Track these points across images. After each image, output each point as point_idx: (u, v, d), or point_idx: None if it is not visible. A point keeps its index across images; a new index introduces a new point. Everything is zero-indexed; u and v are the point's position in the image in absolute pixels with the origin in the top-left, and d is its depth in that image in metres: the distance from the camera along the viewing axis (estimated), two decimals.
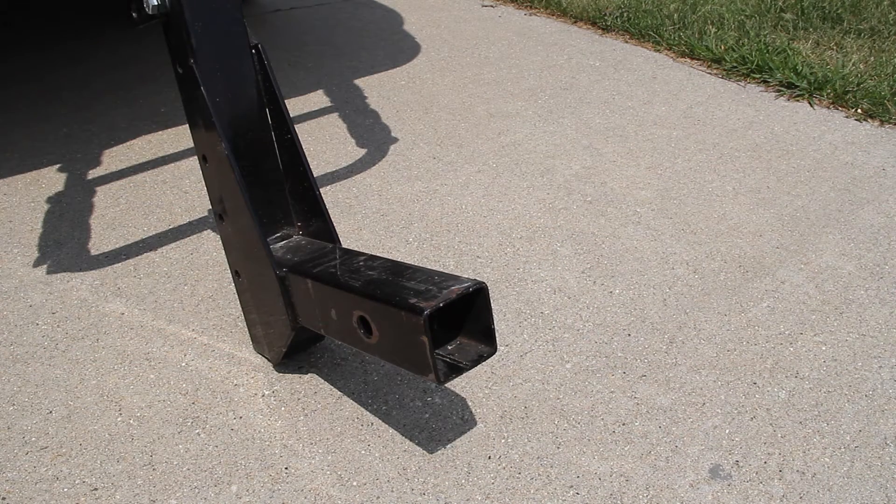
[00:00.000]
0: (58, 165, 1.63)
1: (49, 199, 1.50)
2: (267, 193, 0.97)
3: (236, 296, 1.03)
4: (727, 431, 0.92)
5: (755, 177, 1.53)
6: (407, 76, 2.12)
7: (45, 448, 0.92)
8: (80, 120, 1.86)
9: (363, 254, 0.86)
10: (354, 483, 0.86)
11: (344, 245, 0.95)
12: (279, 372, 1.03)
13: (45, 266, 1.28)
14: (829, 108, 1.84)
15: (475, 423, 0.94)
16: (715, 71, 2.10)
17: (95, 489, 0.86)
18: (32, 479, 0.88)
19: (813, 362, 1.03)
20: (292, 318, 0.90)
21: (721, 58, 2.11)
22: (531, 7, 2.79)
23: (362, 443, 0.92)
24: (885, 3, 2.48)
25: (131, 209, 1.46)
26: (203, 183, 0.97)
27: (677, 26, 2.36)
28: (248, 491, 0.86)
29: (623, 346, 1.07)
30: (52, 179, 1.58)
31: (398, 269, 0.77)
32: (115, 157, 1.67)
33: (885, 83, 1.84)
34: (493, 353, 0.71)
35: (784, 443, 0.90)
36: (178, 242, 1.34)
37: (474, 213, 1.41)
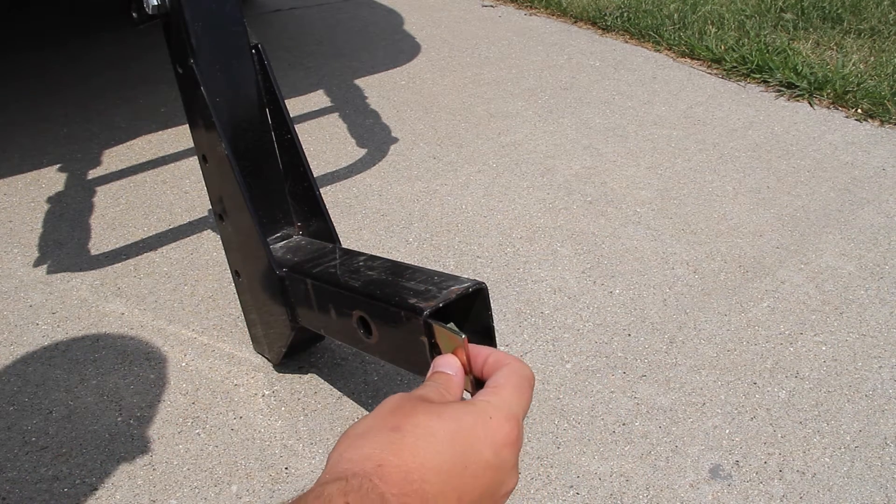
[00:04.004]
0: (58, 165, 1.64)
1: (49, 199, 1.50)
2: (267, 193, 0.97)
3: (236, 296, 1.03)
4: (727, 431, 0.92)
5: (755, 177, 1.53)
6: (407, 76, 2.13)
7: (45, 448, 0.92)
8: (80, 119, 1.86)
9: (363, 254, 0.86)
10: None
11: (344, 245, 0.95)
12: (279, 372, 1.03)
13: (45, 266, 1.28)
14: (829, 108, 1.84)
15: None
16: (715, 71, 2.10)
17: (95, 489, 0.86)
18: (32, 479, 0.88)
19: (813, 362, 1.03)
20: (292, 318, 0.90)
21: (721, 58, 2.11)
22: (531, 7, 2.79)
23: None
24: (886, 3, 2.48)
25: (131, 209, 1.46)
26: (203, 183, 0.97)
27: (677, 26, 2.36)
28: (248, 491, 0.86)
29: (623, 346, 1.07)
30: (52, 179, 1.58)
31: (398, 270, 0.77)
32: (115, 157, 1.67)
33: (885, 83, 1.84)
34: None
35: (784, 443, 0.90)
36: (178, 242, 1.34)
37: (474, 213, 1.41)
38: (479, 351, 0.55)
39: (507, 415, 0.48)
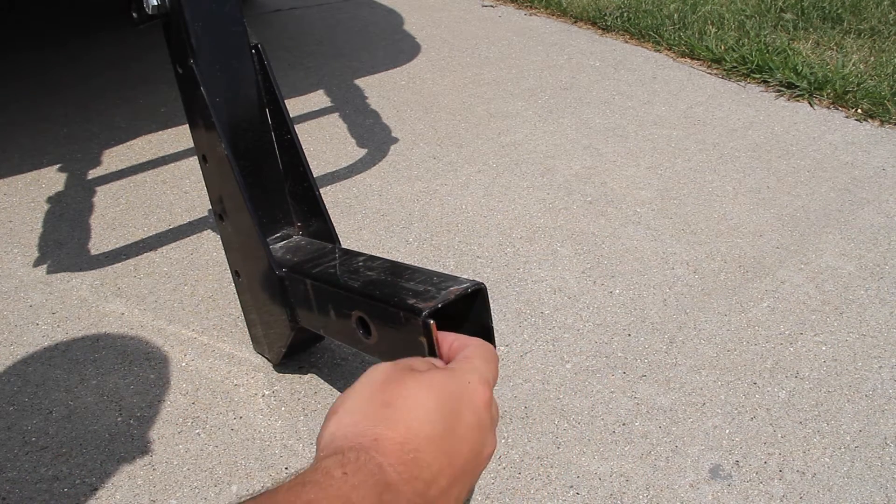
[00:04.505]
0: (58, 165, 1.64)
1: (49, 199, 1.50)
2: (267, 193, 0.97)
3: (236, 296, 1.03)
4: (727, 431, 0.92)
5: (755, 177, 1.53)
6: (407, 76, 2.13)
7: (45, 448, 0.92)
8: (80, 119, 1.86)
9: (363, 254, 0.86)
10: None
11: (344, 245, 0.95)
12: (279, 372, 1.03)
13: (45, 266, 1.28)
14: (829, 108, 1.84)
15: None
16: (715, 71, 2.10)
17: (95, 489, 0.86)
18: (32, 479, 0.88)
19: (813, 362, 1.03)
20: (292, 318, 0.90)
21: (721, 58, 2.11)
22: (531, 7, 2.79)
23: None
24: (886, 3, 2.48)
25: (131, 209, 1.46)
26: (203, 183, 0.97)
27: (677, 26, 2.36)
28: (248, 491, 0.86)
29: (623, 346, 1.07)
30: (52, 179, 1.58)
31: (397, 270, 0.77)
32: (115, 157, 1.67)
33: (885, 83, 1.84)
34: None
35: (784, 443, 0.90)
36: (178, 242, 1.34)
37: (474, 213, 1.41)
38: (445, 336, 0.61)
39: (480, 379, 0.54)
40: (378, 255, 0.95)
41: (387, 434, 0.46)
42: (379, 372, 0.52)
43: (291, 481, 0.43)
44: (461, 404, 0.51)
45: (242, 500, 0.42)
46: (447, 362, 0.59)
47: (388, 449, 0.45)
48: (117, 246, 1.34)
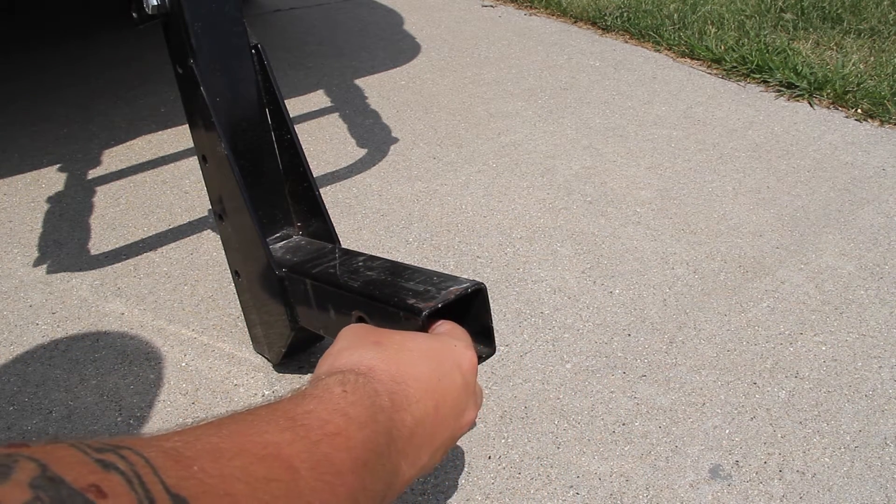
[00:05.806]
0: (58, 165, 1.64)
1: (49, 199, 1.50)
2: (267, 193, 0.97)
3: (236, 296, 1.03)
4: (727, 431, 0.92)
5: (755, 177, 1.53)
6: (407, 76, 2.13)
7: None
8: (80, 119, 1.86)
9: (363, 254, 0.86)
10: None
11: (344, 245, 0.95)
12: (279, 372, 1.03)
13: (45, 266, 1.28)
14: (829, 108, 1.84)
15: (475, 423, 0.93)
16: (715, 71, 2.10)
17: None
18: None
19: (813, 362, 1.03)
20: (292, 318, 0.90)
21: (721, 58, 2.11)
22: (531, 7, 2.79)
23: None
24: (886, 3, 2.48)
25: (131, 209, 1.46)
26: (203, 183, 0.97)
27: (677, 26, 2.36)
28: None
29: (623, 346, 1.07)
30: (52, 179, 1.58)
31: (397, 270, 0.77)
32: (115, 157, 1.67)
33: (885, 83, 1.84)
34: (493, 354, 0.71)
35: (784, 443, 0.90)
36: (178, 242, 1.34)
37: (474, 213, 1.41)
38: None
39: (466, 345, 0.58)
40: (378, 255, 0.95)
41: (380, 366, 0.50)
42: (355, 326, 0.58)
43: (292, 394, 0.46)
44: (447, 362, 0.55)
45: (249, 407, 0.45)
46: None
47: (382, 377, 0.49)
48: (117, 246, 1.34)
